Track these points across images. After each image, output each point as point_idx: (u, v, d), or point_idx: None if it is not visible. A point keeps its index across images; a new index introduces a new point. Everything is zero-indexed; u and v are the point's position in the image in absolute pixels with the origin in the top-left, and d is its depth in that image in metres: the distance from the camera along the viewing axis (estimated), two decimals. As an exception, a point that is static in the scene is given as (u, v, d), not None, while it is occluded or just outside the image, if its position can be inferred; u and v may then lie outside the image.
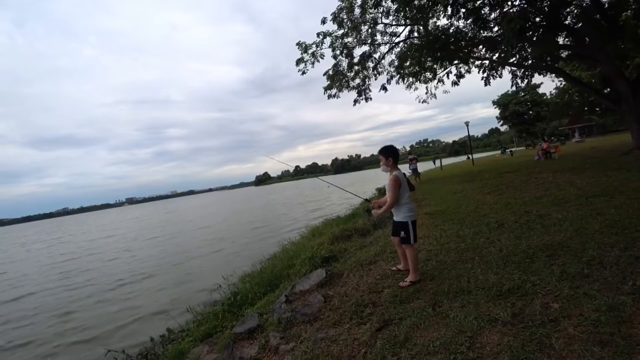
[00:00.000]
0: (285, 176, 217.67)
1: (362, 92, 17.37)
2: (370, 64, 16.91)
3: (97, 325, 8.51)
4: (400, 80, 17.49)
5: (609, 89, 19.62)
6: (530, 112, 49.06)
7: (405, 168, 18.08)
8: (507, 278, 3.22)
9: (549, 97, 48.59)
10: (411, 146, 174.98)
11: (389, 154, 3.79)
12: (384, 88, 17.08)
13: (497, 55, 15.97)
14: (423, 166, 28.22)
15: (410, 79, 17.79)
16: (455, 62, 16.86)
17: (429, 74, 17.68)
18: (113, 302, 10.17)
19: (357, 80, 17.20)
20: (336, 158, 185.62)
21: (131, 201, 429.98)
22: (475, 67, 17.76)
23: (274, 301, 4.76)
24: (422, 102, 19.61)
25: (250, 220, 25.46)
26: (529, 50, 14.27)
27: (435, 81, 18.35)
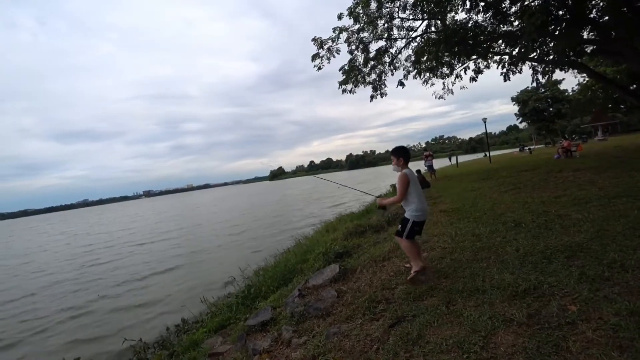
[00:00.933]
0: (299, 171, 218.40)
1: (378, 87, 17.21)
2: (387, 59, 16.73)
3: (114, 315, 8.78)
4: (417, 75, 17.28)
5: (635, 86, 18.90)
6: (551, 109, 47.69)
7: (420, 165, 17.93)
8: (524, 278, 3.17)
9: (570, 93, 47.11)
10: (427, 142, 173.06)
11: (400, 154, 3.89)
12: (401, 84, 16.92)
13: (517, 50, 15.55)
14: (439, 163, 27.89)
15: (427, 75, 17.55)
16: (474, 57, 16.51)
17: (446, 69, 17.40)
18: (130, 292, 10.46)
19: (373, 76, 17.05)
20: (351, 154, 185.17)
21: (148, 194, 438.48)
22: (494, 62, 17.38)
23: (287, 295, 4.82)
24: (439, 98, 19.35)
25: (266, 214, 25.62)
26: (551, 45, 13.83)
27: (453, 77, 18.06)
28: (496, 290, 3.06)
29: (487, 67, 17.64)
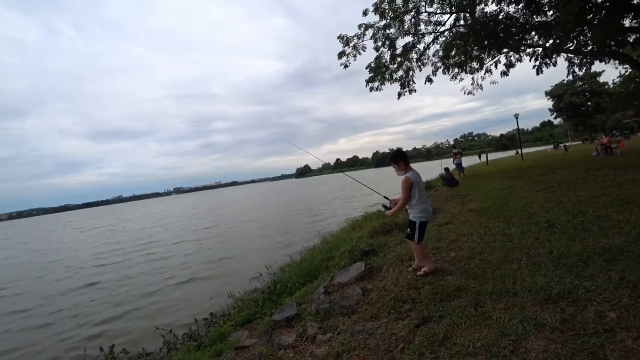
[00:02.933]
0: (325, 169, 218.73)
1: (406, 84, 16.93)
2: (414, 55, 16.44)
3: (145, 304, 9.17)
4: (445, 71, 16.87)
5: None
6: (589, 103, 45.30)
7: (449, 162, 17.54)
8: (557, 282, 3.04)
9: (611, 86, 44.49)
10: (455, 140, 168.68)
11: (398, 159, 3.93)
12: (429, 80, 16.59)
13: (551, 41, 14.87)
14: (468, 161, 27.13)
15: (456, 70, 17.10)
16: (505, 50, 15.94)
17: (475, 63, 16.90)
18: (163, 285, 10.89)
19: (400, 72, 16.79)
20: (377, 151, 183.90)
21: (178, 191, 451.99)
22: (526, 55, 16.71)
23: (312, 292, 4.85)
24: (468, 94, 18.85)
25: (294, 211, 25.73)
26: (589, 35, 13.11)
27: (482, 71, 17.51)
28: (528, 293, 2.95)
29: (519, 60, 17.00)
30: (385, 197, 4.59)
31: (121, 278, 12.63)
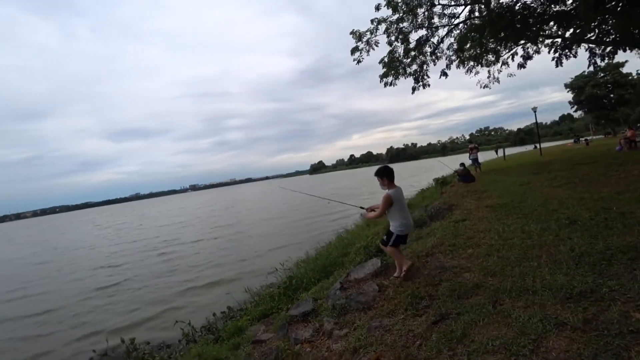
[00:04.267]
0: (339, 165, 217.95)
1: (420, 78, 16.68)
2: (428, 49, 16.16)
3: (165, 297, 9.40)
4: (460, 64, 16.53)
5: None
6: (612, 95, 43.70)
7: (465, 158, 17.25)
8: (579, 280, 2.97)
9: (635, 77, 42.81)
10: (471, 134, 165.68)
11: (384, 175, 4.06)
12: (444, 74, 16.30)
13: (571, 31, 14.40)
14: (484, 156, 26.66)
15: (471, 63, 16.73)
16: (522, 42, 15.52)
17: (491, 56, 16.48)
18: (182, 278, 11.14)
19: (414, 67, 16.53)
20: (391, 147, 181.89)
21: (194, 188, 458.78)
22: (545, 46, 16.24)
23: (328, 287, 4.88)
24: (484, 87, 18.49)
25: (309, 207, 25.71)
26: (611, 23, 12.62)
27: (499, 64, 17.07)
28: (548, 291, 2.89)
29: (537, 52, 16.55)
30: (361, 207, 4.74)
31: (141, 272, 12.98)
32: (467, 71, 17.21)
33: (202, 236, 19.80)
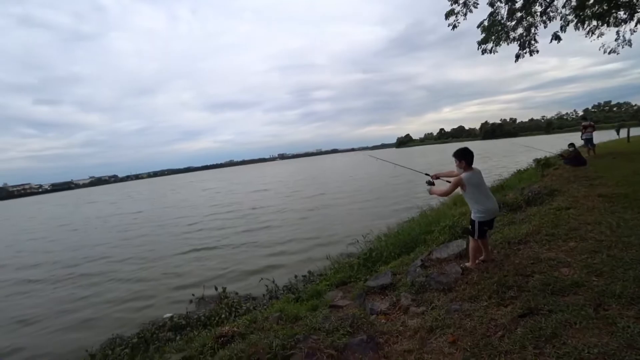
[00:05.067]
0: (428, 139, 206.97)
1: (526, 44, 14.43)
2: (538, 8, 13.74)
3: (252, 258, 10.38)
4: (579, 25, 13.76)
5: None
6: None
7: (576, 138, 15.01)
8: None
9: None
10: (585, 110, 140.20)
11: (461, 157, 3.90)
12: (556, 37, 13.80)
13: None
14: (602, 136, 22.80)
15: (594, 23, 13.81)
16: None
17: (622, 12, 13.35)
18: (268, 241, 12.19)
19: (520, 30, 14.26)
20: (486, 122, 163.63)
21: (282, 157, 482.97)
22: None
23: (408, 263, 4.88)
24: (609, 53, 15.17)
25: (396, 180, 25.28)
26: None
27: (633, 22, 13.72)
28: (670, 304, 2.49)
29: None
30: (426, 174, 4.51)
31: (230, 232, 14.49)
32: (587, 33, 14.26)
33: (288, 205, 20.88)
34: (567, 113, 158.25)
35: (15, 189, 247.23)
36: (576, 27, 13.79)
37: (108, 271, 11.00)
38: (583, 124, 14.97)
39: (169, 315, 5.84)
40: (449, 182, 4.00)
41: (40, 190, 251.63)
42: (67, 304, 8.60)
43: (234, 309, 5.35)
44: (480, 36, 14.44)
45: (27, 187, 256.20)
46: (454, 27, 13.79)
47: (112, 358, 4.20)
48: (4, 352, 6.43)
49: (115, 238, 17.09)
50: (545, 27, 13.99)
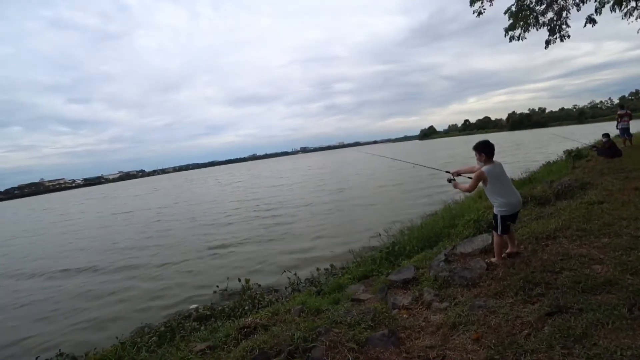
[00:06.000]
0: (452, 130, 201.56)
1: (556, 29, 13.61)
2: None
3: (277, 251, 10.50)
4: (616, 6, 12.81)
5: None
6: None
7: (611, 127, 14.19)
8: None
9: None
10: (621, 98, 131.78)
11: (482, 150, 3.85)
12: (591, 21, 12.90)
13: None
14: (639, 125, 21.46)
15: (632, 3, 12.88)
16: None
17: None
18: (290, 234, 12.33)
19: (550, 15, 13.44)
20: (513, 112, 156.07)
21: (304, 150, 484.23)
22: None
23: (431, 258, 4.81)
24: None
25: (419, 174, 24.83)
26: None
27: None
28: None
29: None
30: (447, 172, 4.44)
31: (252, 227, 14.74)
32: (624, 15, 13.30)
33: (311, 198, 20.81)
34: (601, 101, 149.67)
35: (51, 184, 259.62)
36: (612, 9, 12.91)
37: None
38: (619, 112, 14.20)
39: (194, 306, 6.02)
40: (470, 177, 3.94)
41: (73, 185, 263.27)
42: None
43: (256, 301, 5.45)
44: (507, 22, 13.79)
45: (61, 182, 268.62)
46: (480, 14, 13.21)
47: (140, 345, 4.36)
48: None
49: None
50: (578, 11, 13.17)
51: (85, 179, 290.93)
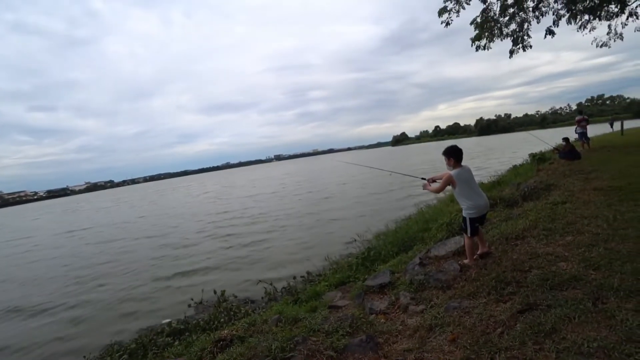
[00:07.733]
0: (423, 136, 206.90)
1: (519, 39, 14.41)
2: (531, 4, 13.66)
3: (253, 260, 10.30)
4: (571, 19, 13.77)
5: None
6: None
7: (570, 132, 15.02)
8: None
9: None
10: (579, 104, 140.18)
11: (450, 155, 3.97)
12: (550, 32, 13.83)
13: None
14: (596, 129, 22.87)
15: (586, 17, 13.84)
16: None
17: (614, 6, 13.36)
18: (266, 244, 12.13)
19: (513, 26, 14.23)
20: (481, 118, 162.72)
21: (279, 158, 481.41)
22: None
23: (406, 262, 4.87)
24: (601, 47, 15.23)
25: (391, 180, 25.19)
26: None
27: (624, 15, 13.74)
28: (669, 296, 2.48)
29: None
30: (422, 178, 4.55)
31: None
32: (579, 27, 14.30)
33: (285, 207, 20.62)
34: (561, 107, 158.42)
35: (10, 196, 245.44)
36: (568, 22, 13.81)
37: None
38: (577, 118, 15.05)
39: (167, 320, 5.79)
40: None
41: (35, 197, 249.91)
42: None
43: (232, 313, 5.32)
44: (473, 33, 14.43)
45: (22, 194, 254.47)
46: (447, 24, 13.77)
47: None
48: None
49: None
50: (538, 23, 14.02)
51: (48, 191, 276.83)
